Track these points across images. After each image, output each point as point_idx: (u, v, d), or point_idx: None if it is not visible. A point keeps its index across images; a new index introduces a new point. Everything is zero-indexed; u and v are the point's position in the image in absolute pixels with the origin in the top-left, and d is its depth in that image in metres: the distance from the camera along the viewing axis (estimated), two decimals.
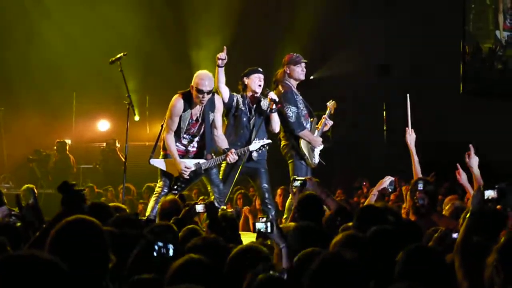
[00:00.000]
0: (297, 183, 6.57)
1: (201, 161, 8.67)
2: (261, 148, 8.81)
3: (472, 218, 4.55)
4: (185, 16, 16.35)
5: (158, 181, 8.81)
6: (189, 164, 8.63)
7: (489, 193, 4.82)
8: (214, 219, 5.57)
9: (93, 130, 17.40)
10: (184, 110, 8.54)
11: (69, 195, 4.75)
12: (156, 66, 16.47)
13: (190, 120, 8.60)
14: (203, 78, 8.41)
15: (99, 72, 14.58)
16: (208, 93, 8.41)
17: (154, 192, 8.84)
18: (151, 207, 8.55)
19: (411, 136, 7.38)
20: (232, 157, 8.56)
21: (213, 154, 8.79)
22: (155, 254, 3.89)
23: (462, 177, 6.85)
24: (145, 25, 16.19)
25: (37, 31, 16.69)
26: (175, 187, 8.65)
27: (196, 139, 8.75)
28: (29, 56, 16.59)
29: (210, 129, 8.69)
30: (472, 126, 14.86)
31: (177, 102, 8.54)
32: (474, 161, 6.50)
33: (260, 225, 4.34)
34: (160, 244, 3.91)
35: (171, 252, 3.90)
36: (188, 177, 8.63)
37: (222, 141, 8.73)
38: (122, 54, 9.47)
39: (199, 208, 6.09)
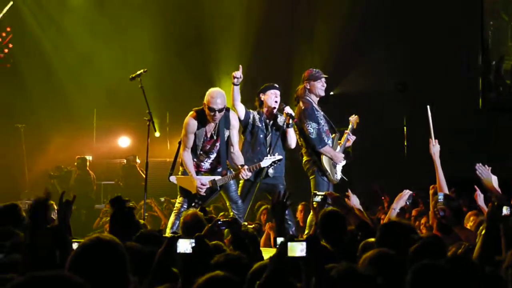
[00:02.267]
0: (317, 199, 6.55)
1: (217, 177, 8.71)
2: (273, 164, 8.82)
3: (487, 235, 4.54)
4: (206, 33, 16.40)
5: (178, 196, 8.87)
6: (205, 181, 8.67)
7: (506, 210, 4.81)
8: (237, 235, 5.56)
9: (113, 147, 17.45)
10: (198, 128, 8.60)
11: (120, 210, 4.80)
12: (176, 83, 16.52)
13: (205, 138, 8.65)
14: (214, 96, 8.43)
15: (120, 89, 14.66)
16: (220, 111, 8.44)
17: (174, 208, 8.90)
18: (171, 223, 8.60)
19: (435, 147, 7.26)
20: (245, 173, 8.58)
21: (231, 170, 8.82)
22: (178, 251, 3.91)
23: (480, 199, 6.80)
24: (166, 42, 16.26)
25: (57, 48, 16.80)
26: (193, 204, 8.68)
27: (212, 156, 8.79)
28: (50, 74, 16.71)
29: (226, 146, 8.72)
30: (491, 142, 14.79)
31: (190, 120, 8.60)
32: (493, 180, 6.44)
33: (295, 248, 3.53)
34: (184, 240, 3.94)
35: (191, 248, 3.93)
36: (204, 193, 8.66)
37: (238, 158, 8.76)
38: (142, 70, 9.52)
39: (222, 224, 6.09)
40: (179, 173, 8.88)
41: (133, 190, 14.20)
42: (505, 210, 4.82)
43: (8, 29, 15.80)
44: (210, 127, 8.66)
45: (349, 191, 6.58)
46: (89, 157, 15.80)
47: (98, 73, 16.32)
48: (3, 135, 15.98)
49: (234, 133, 8.79)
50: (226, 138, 8.71)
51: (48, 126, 16.30)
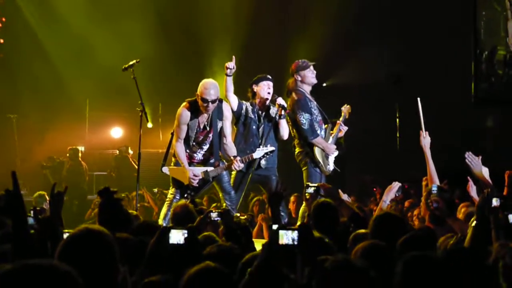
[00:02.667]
0: (310, 190, 6.54)
1: (209, 168, 8.71)
2: (265, 155, 8.83)
3: (477, 227, 4.55)
4: (198, 24, 16.38)
5: (170, 187, 8.87)
6: (197, 172, 8.67)
7: (495, 201, 4.83)
8: (229, 227, 5.56)
9: (106, 137, 17.45)
10: (191, 119, 8.58)
11: (108, 200, 4.79)
12: (169, 74, 16.50)
13: (198, 129, 8.64)
14: (207, 87, 8.42)
15: (112, 79, 14.63)
16: (213, 102, 8.43)
17: (166, 199, 8.89)
18: (163, 214, 8.59)
19: (425, 139, 7.27)
20: (237, 164, 8.60)
21: (224, 161, 8.82)
22: (170, 241, 3.90)
23: (472, 190, 6.81)
24: (159, 33, 16.23)
25: (49, 38, 16.76)
26: (185, 195, 8.68)
27: (205, 147, 8.78)
28: (42, 64, 16.66)
29: (219, 137, 8.72)
30: (484, 134, 14.83)
31: (183, 111, 8.58)
32: (485, 171, 6.44)
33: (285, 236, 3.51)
34: (176, 231, 3.94)
35: (184, 239, 3.93)
36: (197, 185, 8.66)
37: (230, 149, 8.77)
38: (135, 61, 9.48)
39: (214, 215, 6.08)
40: (172, 164, 8.87)
41: (126, 181, 14.22)
42: (495, 202, 4.84)
43: (4, 19, 15.78)
44: (203, 118, 8.64)
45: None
46: (81, 148, 15.79)
47: (91, 63, 16.29)
48: None
49: (227, 124, 8.78)
50: (219, 129, 8.71)
51: (40, 116, 16.29)
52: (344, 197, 6.62)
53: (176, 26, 16.63)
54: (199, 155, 8.80)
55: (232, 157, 8.64)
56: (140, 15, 16.17)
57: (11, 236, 3.77)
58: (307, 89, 9.22)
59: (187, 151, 8.74)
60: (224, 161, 8.85)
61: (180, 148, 8.66)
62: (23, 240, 3.64)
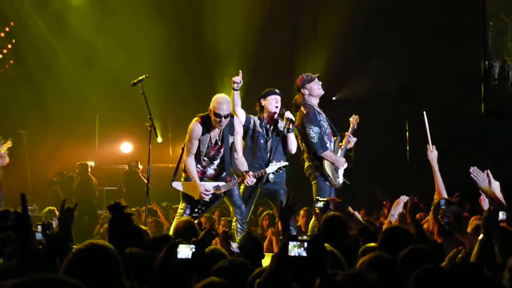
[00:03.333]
0: (320, 204, 6.53)
1: (221, 183, 8.69)
2: (278, 170, 8.82)
3: (484, 240, 4.54)
4: (208, 39, 16.42)
5: (181, 202, 8.84)
6: (209, 187, 8.65)
7: (502, 214, 4.81)
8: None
9: (116, 152, 17.48)
10: (203, 134, 8.56)
11: (118, 216, 4.78)
12: (178, 88, 16.53)
13: (209, 144, 8.62)
14: (220, 102, 8.42)
15: (122, 95, 14.68)
16: (226, 117, 8.42)
17: (177, 214, 8.88)
18: (173, 230, 8.54)
19: (432, 153, 7.26)
20: (250, 179, 8.58)
21: (235, 176, 8.82)
22: (178, 256, 3.90)
23: (485, 204, 6.76)
24: (168, 48, 16.28)
25: (58, 54, 16.84)
26: (196, 210, 8.67)
27: (216, 162, 8.76)
28: (52, 79, 16.74)
29: (230, 152, 8.72)
30: (494, 148, 14.78)
31: (195, 126, 8.56)
32: (495, 185, 6.38)
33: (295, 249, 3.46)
34: (184, 246, 3.93)
35: (192, 254, 3.92)
36: (208, 200, 8.65)
37: (242, 164, 8.75)
38: (144, 76, 9.51)
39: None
40: (182, 179, 8.86)
41: (136, 195, 14.22)
42: (501, 215, 4.82)
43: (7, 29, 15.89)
44: (215, 133, 8.64)
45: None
46: (91, 163, 15.81)
47: (100, 78, 16.35)
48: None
49: (238, 139, 8.77)
50: (230, 144, 8.70)
51: (51, 132, 16.33)
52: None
53: (187, 40, 16.67)
54: (210, 170, 8.78)
55: (243, 172, 8.63)
56: (149, 30, 16.23)
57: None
58: (315, 102, 9.22)
59: (198, 166, 8.73)
60: (235, 175, 8.85)
61: (191, 163, 8.64)
62: (28, 257, 3.65)
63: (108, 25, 16.53)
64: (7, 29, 16.81)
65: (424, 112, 7.68)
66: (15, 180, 15.07)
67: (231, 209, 8.93)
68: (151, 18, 16.36)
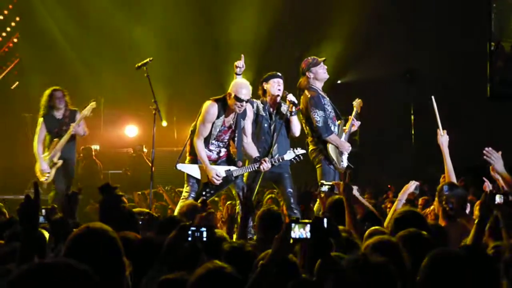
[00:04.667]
0: (325, 188, 6.51)
1: (232, 168, 8.67)
2: (296, 158, 8.79)
3: (480, 223, 4.55)
4: (215, 24, 16.39)
5: (185, 185, 8.78)
6: (220, 171, 8.63)
7: (499, 198, 4.81)
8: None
9: (121, 136, 17.47)
10: (218, 117, 8.54)
11: (109, 197, 4.77)
12: (184, 72, 16.51)
13: (222, 127, 8.59)
14: (242, 86, 8.41)
15: (127, 78, 14.66)
16: (247, 101, 8.43)
17: (182, 197, 8.84)
18: (177, 211, 8.53)
19: (443, 137, 7.21)
20: (266, 165, 8.56)
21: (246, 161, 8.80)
22: (189, 238, 3.89)
23: (489, 188, 6.72)
24: (174, 31, 16.24)
25: (65, 37, 16.82)
26: (204, 193, 8.63)
27: (222, 145, 8.75)
28: (55, 62, 16.71)
29: (241, 136, 8.71)
30: (500, 130, 14.75)
31: (212, 108, 8.49)
32: (499, 165, 6.32)
33: (296, 232, 3.51)
34: (194, 228, 3.93)
35: (204, 236, 3.91)
36: (218, 184, 8.64)
37: (252, 149, 8.73)
38: (148, 59, 9.50)
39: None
40: (186, 161, 8.84)
41: (141, 179, 14.22)
42: (498, 199, 4.83)
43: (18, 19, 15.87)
44: (230, 118, 8.61)
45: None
46: (95, 147, 15.81)
47: (105, 61, 16.33)
48: (9, 125, 16.02)
49: (249, 124, 8.76)
50: (241, 130, 8.69)
51: None
52: (355, 190, 6.58)
53: (194, 25, 16.61)
54: (214, 154, 8.75)
55: (257, 158, 8.60)
56: (156, 13, 16.21)
57: (20, 235, 3.80)
58: (319, 85, 9.21)
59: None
60: (247, 161, 8.84)
61: (201, 146, 8.57)
62: (32, 242, 3.65)
63: (116, 10, 16.49)
64: (10, 6, 16.80)
65: (433, 97, 7.65)
66: (20, 164, 15.10)
67: (233, 192, 8.92)
68: (163, 5, 16.33)
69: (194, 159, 8.72)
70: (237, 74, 8.89)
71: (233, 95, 8.37)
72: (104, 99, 16.82)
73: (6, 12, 16.82)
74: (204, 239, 3.91)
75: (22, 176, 14.56)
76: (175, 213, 8.56)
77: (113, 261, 3.37)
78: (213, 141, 8.67)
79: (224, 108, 8.51)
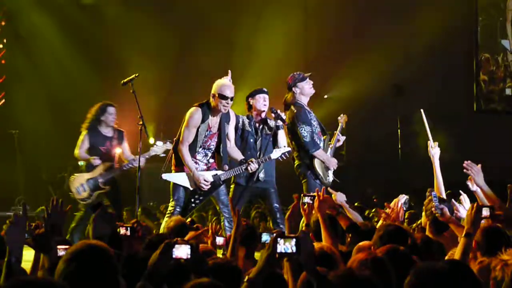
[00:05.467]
0: (307, 200, 6.46)
1: (219, 172, 8.68)
2: (282, 156, 8.80)
3: (467, 238, 4.54)
4: (199, 42, 16.41)
5: (171, 200, 8.76)
6: (208, 176, 8.62)
7: (486, 211, 4.81)
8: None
9: None
10: (203, 121, 8.54)
11: (101, 215, 4.78)
12: (172, 88, 16.48)
13: (207, 132, 8.60)
14: (225, 84, 8.51)
15: (113, 94, 14.63)
16: (231, 99, 8.48)
17: (167, 212, 8.80)
18: (163, 228, 8.46)
19: (434, 150, 7.21)
20: (254, 166, 8.60)
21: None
22: (173, 255, 3.88)
23: (465, 203, 6.70)
24: (161, 48, 16.24)
25: (52, 52, 16.78)
26: (192, 200, 8.63)
27: (209, 153, 8.74)
28: (43, 78, 16.67)
29: (225, 141, 8.72)
30: (486, 145, 14.78)
31: (195, 112, 8.53)
32: (479, 178, 6.28)
33: (282, 246, 3.49)
34: (179, 246, 3.92)
35: (189, 254, 3.91)
36: (206, 189, 8.61)
37: (236, 152, 8.78)
38: (134, 75, 9.48)
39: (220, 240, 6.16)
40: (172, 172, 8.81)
41: (127, 195, 14.15)
42: (485, 212, 4.81)
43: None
44: (213, 122, 8.63)
45: (330, 189, 6.54)
46: (81, 163, 15.73)
47: (91, 78, 16.30)
48: None
49: (231, 129, 8.82)
50: (226, 134, 8.71)
51: (41, 131, 16.25)
52: (339, 197, 6.57)
53: (178, 41, 16.61)
54: (201, 164, 8.72)
55: (242, 160, 8.63)
56: (143, 30, 16.23)
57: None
58: (305, 101, 9.26)
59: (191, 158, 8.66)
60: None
61: (186, 152, 8.55)
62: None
63: (98, 22, 16.49)
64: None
65: (422, 110, 7.67)
66: (7, 180, 15.05)
67: (217, 208, 8.89)
68: (152, 18, 16.34)
69: (179, 171, 8.69)
70: None
71: (217, 95, 8.42)
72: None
73: None
74: (188, 256, 3.90)
75: (7, 193, 14.54)
76: (161, 229, 8.55)
77: (109, 279, 3.36)
78: (200, 150, 8.66)
79: (208, 112, 8.55)
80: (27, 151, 15.94)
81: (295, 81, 9.21)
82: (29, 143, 15.98)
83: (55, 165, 15.69)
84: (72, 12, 16.60)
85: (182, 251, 3.89)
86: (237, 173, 8.73)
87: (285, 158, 8.87)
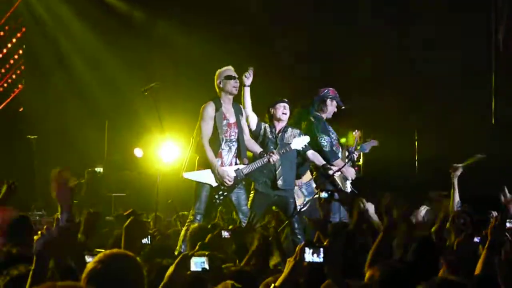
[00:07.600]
0: (324, 194, 6.38)
1: (241, 166, 8.69)
2: (303, 147, 8.84)
3: (491, 248, 4.53)
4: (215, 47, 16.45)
5: (192, 207, 8.74)
6: (231, 172, 8.63)
7: (509, 223, 4.80)
8: (240, 244, 5.54)
9: (125, 158, 17.43)
10: (217, 110, 8.59)
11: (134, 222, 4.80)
12: (190, 95, 16.51)
13: (225, 121, 8.62)
14: (224, 68, 8.69)
15: (132, 101, 14.70)
16: (236, 78, 8.63)
17: (187, 220, 8.77)
18: (182, 237, 8.43)
19: (457, 171, 7.28)
20: (275, 157, 8.65)
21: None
22: (192, 268, 3.89)
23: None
24: (189, 55, 16.29)
25: (68, 59, 16.88)
26: (216, 196, 8.65)
27: (233, 146, 8.77)
28: (61, 85, 16.77)
29: (243, 133, 8.77)
30: (505, 158, 14.70)
31: (208, 105, 8.67)
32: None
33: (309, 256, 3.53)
34: (196, 258, 3.93)
35: (206, 266, 3.91)
36: (230, 184, 8.62)
37: (254, 145, 8.82)
38: (154, 83, 9.54)
39: (225, 234, 6.06)
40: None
41: (144, 202, 14.17)
42: (509, 224, 4.81)
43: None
44: (227, 110, 8.73)
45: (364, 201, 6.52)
46: (99, 169, 15.79)
47: (110, 84, 16.37)
48: (14, 147, 16.04)
49: (244, 121, 8.91)
50: (242, 125, 8.78)
51: (60, 137, 16.33)
52: (370, 208, 6.56)
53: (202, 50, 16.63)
54: (227, 159, 8.75)
55: (261, 153, 8.73)
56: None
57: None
58: (324, 116, 9.38)
59: (217, 159, 8.66)
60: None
61: (208, 148, 8.59)
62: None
63: (117, 28, 16.57)
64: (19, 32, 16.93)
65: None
66: (24, 185, 15.12)
67: (236, 215, 8.90)
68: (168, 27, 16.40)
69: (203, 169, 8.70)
70: (245, 85, 8.92)
71: (223, 79, 8.59)
72: (108, 122, 16.84)
73: (9, 45, 16.97)
74: (206, 267, 3.91)
75: (24, 200, 14.59)
76: (181, 236, 8.51)
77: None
78: (223, 145, 8.66)
79: (220, 102, 8.65)
80: (45, 157, 16.00)
81: (325, 95, 9.33)
82: (47, 149, 16.05)
83: (72, 171, 15.71)
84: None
85: (198, 264, 3.89)
86: (259, 165, 8.73)
87: (304, 148, 8.88)
